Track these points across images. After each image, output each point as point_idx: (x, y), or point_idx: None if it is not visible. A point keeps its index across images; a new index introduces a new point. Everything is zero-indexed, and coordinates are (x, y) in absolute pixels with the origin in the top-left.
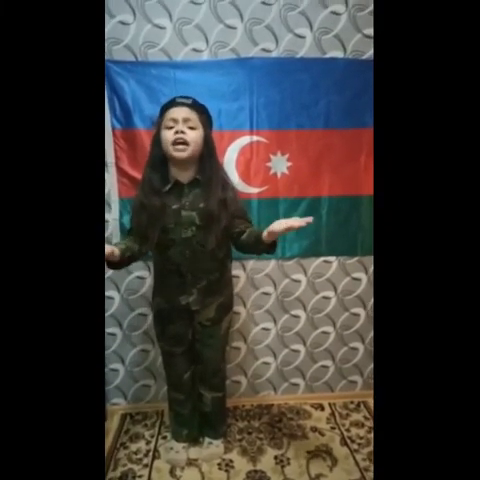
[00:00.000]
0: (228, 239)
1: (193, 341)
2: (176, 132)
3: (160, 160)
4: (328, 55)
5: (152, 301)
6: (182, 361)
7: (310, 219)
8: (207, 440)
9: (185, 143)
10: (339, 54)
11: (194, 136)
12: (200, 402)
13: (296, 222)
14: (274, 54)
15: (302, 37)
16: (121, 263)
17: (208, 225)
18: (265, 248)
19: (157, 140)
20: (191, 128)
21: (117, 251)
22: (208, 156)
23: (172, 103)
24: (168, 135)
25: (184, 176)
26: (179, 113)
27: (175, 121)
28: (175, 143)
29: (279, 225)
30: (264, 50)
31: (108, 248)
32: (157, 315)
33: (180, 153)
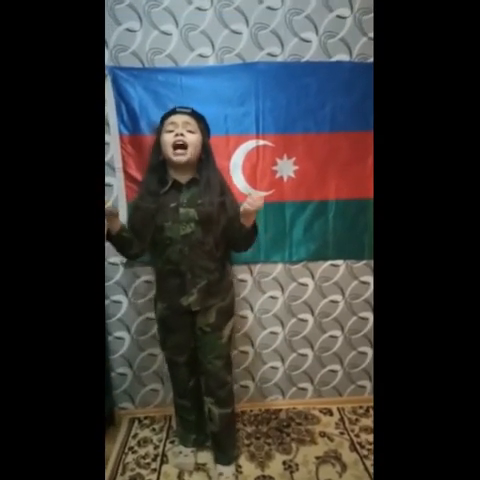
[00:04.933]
0: (226, 240)
1: (195, 350)
2: (176, 135)
3: (159, 164)
4: (334, 59)
5: (154, 307)
6: (185, 371)
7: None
8: (218, 468)
9: (184, 146)
10: (345, 57)
11: (193, 139)
12: (209, 419)
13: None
14: (280, 58)
15: (308, 41)
16: (117, 237)
17: (207, 222)
18: (247, 232)
19: (157, 145)
20: (190, 131)
21: (117, 210)
22: (206, 159)
23: (172, 112)
24: (168, 138)
25: (182, 177)
26: (179, 118)
27: (175, 124)
28: (175, 146)
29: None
30: (270, 55)
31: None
32: (159, 322)
33: (180, 157)
